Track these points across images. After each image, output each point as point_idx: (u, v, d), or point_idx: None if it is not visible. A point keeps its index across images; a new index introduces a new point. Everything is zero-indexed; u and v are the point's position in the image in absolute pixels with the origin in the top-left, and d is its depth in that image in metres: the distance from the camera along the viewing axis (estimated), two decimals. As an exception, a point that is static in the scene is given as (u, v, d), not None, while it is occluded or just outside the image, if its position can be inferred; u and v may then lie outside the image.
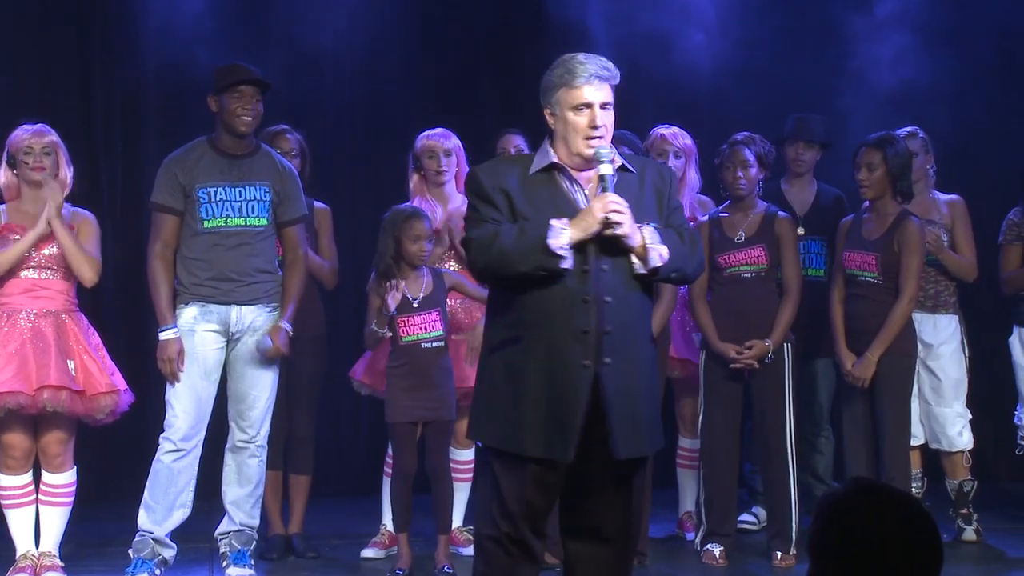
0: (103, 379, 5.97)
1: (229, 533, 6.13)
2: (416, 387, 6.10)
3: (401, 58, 7.84)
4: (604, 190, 4.33)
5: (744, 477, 7.00)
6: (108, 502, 7.15)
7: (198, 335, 5.97)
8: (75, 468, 6.10)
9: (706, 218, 6.55)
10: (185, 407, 5.97)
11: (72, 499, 6.09)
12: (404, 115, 7.63)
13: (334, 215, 6.75)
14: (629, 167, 4.45)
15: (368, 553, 6.51)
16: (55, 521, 6.06)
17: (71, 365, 5.92)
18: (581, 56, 4.40)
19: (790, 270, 6.40)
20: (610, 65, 4.41)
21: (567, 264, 4.29)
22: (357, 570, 6.37)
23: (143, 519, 6.02)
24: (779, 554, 6.34)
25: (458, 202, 6.56)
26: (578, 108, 4.36)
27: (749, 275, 6.40)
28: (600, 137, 4.35)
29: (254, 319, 6.02)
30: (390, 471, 6.41)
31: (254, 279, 6.01)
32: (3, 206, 6.09)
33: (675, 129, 6.83)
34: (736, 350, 6.30)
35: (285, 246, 6.16)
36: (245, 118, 5.99)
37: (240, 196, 6.00)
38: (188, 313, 5.99)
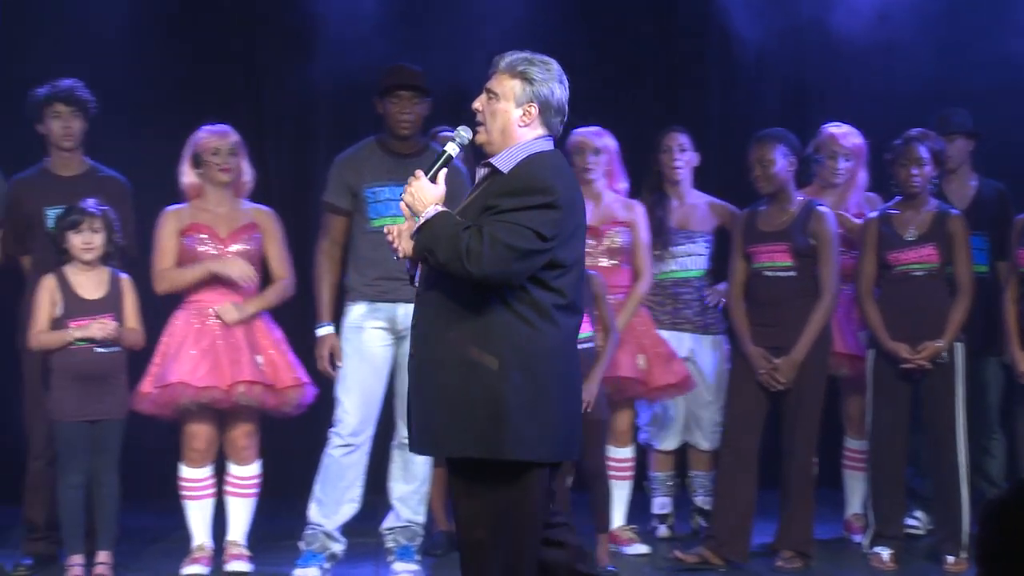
0: (290, 373, 6.12)
1: (395, 529, 6.20)
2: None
3: (564, 56, 7.81)
4: (435, 161, 4.35)
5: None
6: (280, 496, 7.28)
7: (366, 332, 6.06)
8: (260, 461, 6.26)
9: (875, 214, 6.44)
10: (354, 403, 6.06)
11: (257, 491, 6.26)
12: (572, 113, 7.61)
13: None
14: (501, 169, 4.30)
15: (531, 550, 6.53)
16: (242, 512, 6.23)
17: (260, 360, 6.08)
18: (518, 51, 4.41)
19: (962, 269, 6.26)
20: (517, 58, 4.31)
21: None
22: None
23: (313, 512, 6.13)
24: (950, 558, 6.21)
25: (609, 199, 6.55)
26: None
27: (920, 273, 6.28)
28: (478, 122, 4.35)
29: None
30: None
31: None
32: (186, 205, 6.26)
33: (845, 128, 6.73)
34: (908, 350, 6.17)
35: None
36: (404, 122, 6.07)
37: None
38: (356, 311, 6.09)
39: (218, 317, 6.07)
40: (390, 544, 6.19)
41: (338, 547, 6.14)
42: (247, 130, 6.50)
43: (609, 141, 6.63)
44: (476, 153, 6.31)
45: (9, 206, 6.36)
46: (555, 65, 4.34)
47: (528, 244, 4.14)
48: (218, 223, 6.18)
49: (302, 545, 6.14)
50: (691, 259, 6.81)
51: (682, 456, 6.99)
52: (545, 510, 4.32)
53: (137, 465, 6.57)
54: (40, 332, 5.98)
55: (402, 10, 7.62)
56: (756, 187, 6.30)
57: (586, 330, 6.15)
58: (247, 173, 6.28)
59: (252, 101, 7.83)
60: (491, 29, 7.55)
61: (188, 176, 6.24)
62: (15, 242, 6.34)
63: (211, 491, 6.22)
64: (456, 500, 4.32)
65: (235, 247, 6.17)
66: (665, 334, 6.72)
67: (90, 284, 6.02)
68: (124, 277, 6.10)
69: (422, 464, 6.16)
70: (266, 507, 6.52)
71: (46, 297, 5.96)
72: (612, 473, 6.40)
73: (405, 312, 6.05)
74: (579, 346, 5.97)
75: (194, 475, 6.19)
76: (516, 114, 4.29)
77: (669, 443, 6.90)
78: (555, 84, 4.31)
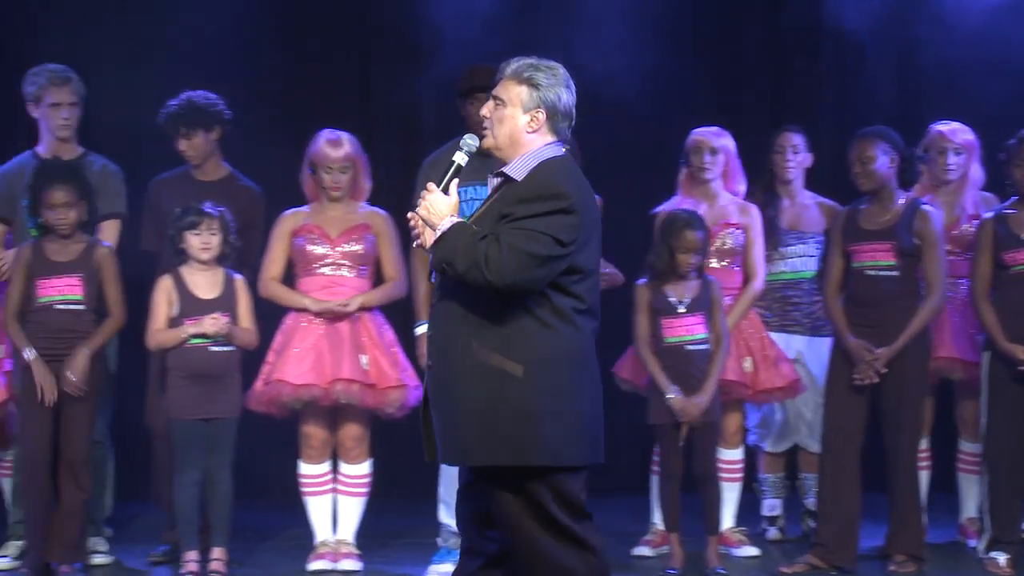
0: (394, 374, 6.17)
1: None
2: (682, 389, 6.09)
3: (678, 56, 7.81)
4: (447, 173, 4.33)
5: None
6: (395, 495, 7.34)
7: None
8: (371, 460, 6.31)
9: (991, 214, 6.34)
10: None
11: (368, 489, 6.32)
12: (683, 113, 7.59)
13: (609, 210, 6.77)
14: (515, 177, 4.30)
15: (639, 551, 6.52)
16: (352, 510, 6.29)
17: (364, 360, 6.14)
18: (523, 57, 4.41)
19: None
20: (523, 64, 4.31)
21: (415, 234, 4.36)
22: (629, 568, 6.38)
23: (441, 513, 6.19)
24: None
25: (725, 200, 6.51)
26: None
27: (1039, 273, 6.18)
28: (486, 129, 4.35)
29: None
30: (657, 470, 6.45)
31: None
32: (306, 207, 6.35)
33: (955, 125, 6.64)
34: None
35: None
36: (486, 124, 6.08)
37: None
38: None
39: (320, 314, 6.14)
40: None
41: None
42: (358, 134, 6.55)
43: (728, 141, 6.60)
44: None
45: (149, 204, 6.52)
46: (561, 70, 4.34)
47: (546, 250, 4.14)
48: (330, 224, 6.26)
49: (439, 542, 6.20)
50: (802, 260, 6.75)
51: (792, 458, 6.94)
52: (573, 513, 4.30)
53: (251, 463, 6.66)
54: (157, 331, 6.08)
55: (515, 10, 7.63)
56: (856, 185, 6.23)
57: (700, 331, 6.14)
58: (364, 180, 6.34)
59: (362, 105, 7.90)
60: (599, 30, 7.56)
61: (308, 180, 6.32)
62: (157, 238, 6.47)
63: (330, 487, 6.28)
64: (494, 509, 4.27)
65: (344, 247, 6.24)
66: (774, 336, 6.67)
67: (205, 284, 6.11)
68: (238, 278, 6.19)
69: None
70: (377, 506, 6.58)
71: (163, 297, 6.07)
72: (721, 475, 6.37)
73: None
74: (693, 347, 6.08)
75: (312, 471, 6.26)
76: (523, 120, 4.29)
77: (779, 445, 6.85)
78: (561, 89, 4.31)
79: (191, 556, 6.07)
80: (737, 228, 6.53)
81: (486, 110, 4.34)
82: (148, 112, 6.61)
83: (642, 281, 6.25)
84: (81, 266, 6.05)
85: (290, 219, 6.32)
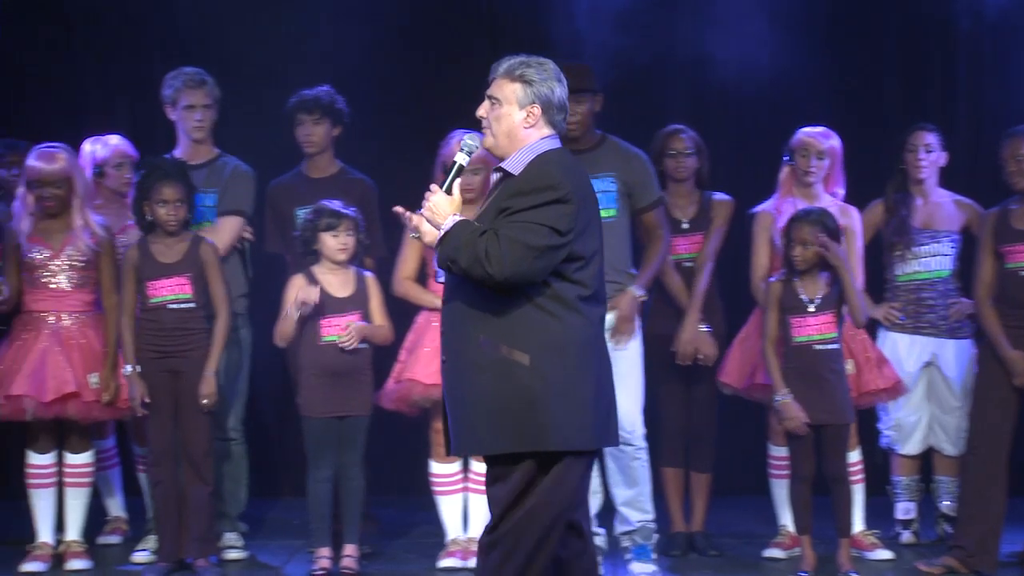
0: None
1: (628, 531, 6.21)
2: (809, 389, 6.04)
3: (803, 53, 7.73)
4: (449, 174, 4.42)
5: None
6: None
7: None
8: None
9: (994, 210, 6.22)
10: None
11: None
12: (803, 111, 7.52)
13: (736, 206, 6.74)
14: (513, 172, 4.38)
15: (770, 553, 6.47)
16: (483, 508, 6.32)
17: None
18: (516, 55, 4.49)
19: None
20: (515, 62, 4.40)
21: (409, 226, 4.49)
22: (760, 570, 6.35)
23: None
24: None
25: (825, 202, 6.43)
26: None
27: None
28: (485, 128, 4.42)
29: (608, 318, 6.04)
30: (776, 472, 6.42)
31: (605, 276, 6.07)
32: None
33: None
34: None
35: (644, 230, 6.24)
36: (569, 124, 6.07)
37: None
38: None
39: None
40: (626, 543, 6.20)
41: (599, 539, 6.18)
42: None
43: (835, 142, 6.52)
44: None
45: (270, 207, 6.63)
46: (551, 64, 4.44)
47: (545, 240, 4.24)
48: None
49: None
50: (935, 259, 6.64)
51: (927, 460, 6.82)
52: (577, 498, 4.41)
53: (383, 460, 6.73)
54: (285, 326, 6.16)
55: (645, 6, 7.61)
56: (1010, 184, 6.11)
57: (830, 330, 6.07)
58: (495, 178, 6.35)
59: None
60: (731, 25, 7.51)
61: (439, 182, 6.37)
62: (281, 239, 6.59)
63: (461, 485, 6.32)
64: (495, 493, 4.38)
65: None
66: (906, 338, 6.58)
67: (338, 282, 6.19)
68: (369, 275, 6.26)
69: (640, 468, 6.16)
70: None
71: (293, 295, 6.14)
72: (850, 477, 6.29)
73: None
74: (821, 346, 6.01)
75: (443, 470, 6.30)
76: (519, 116, 4.39)
77: (912, 447, 6.74)
78: (553, 83, 4.41)
79: (323, 552, 6.15)
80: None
81: (483, 111, 4.43)
82: (278, 115, 6.72)
83: (774, 278, 6.20)
84: (188, 265, 6.17)
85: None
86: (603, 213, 6.01)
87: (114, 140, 6.73)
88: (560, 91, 4.42)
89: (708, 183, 6.69)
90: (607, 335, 6.01)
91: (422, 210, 4.39)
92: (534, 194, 4.29)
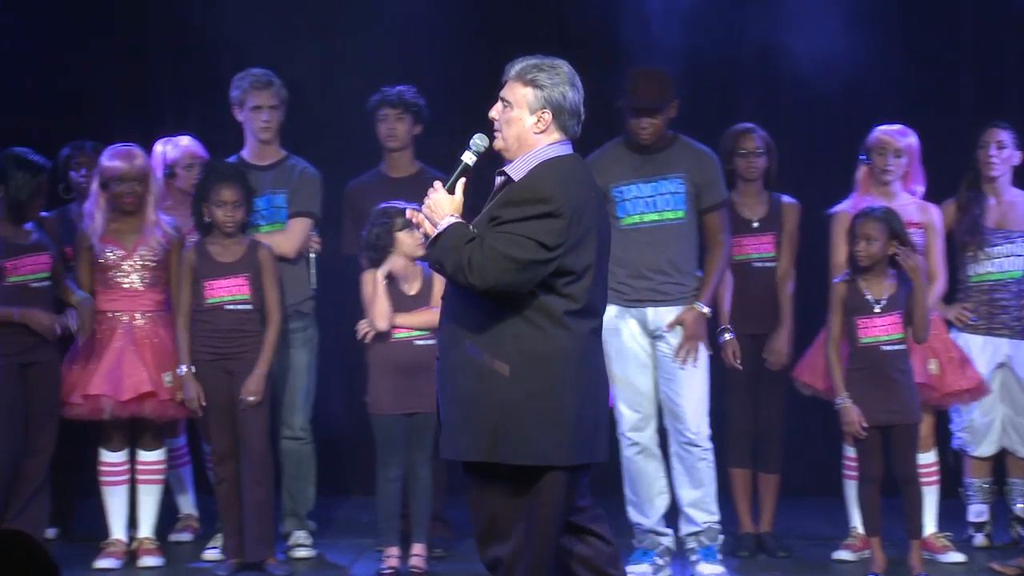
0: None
1: (694, 532, 6.19)
2: (876, 390, 5.99)
3: (875, 50, 7.67)
4: (454, 172, 4.37)
5: None
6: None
7: (623, 330, 6.09)
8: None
9: None
10: (626, 400, 6.11)
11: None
12: (878, 108, 7.46)
13: (803, 210, 6.70)
14: (514, 177, 4.33)
15: (840, 555, 6.43)
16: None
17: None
18: (529, 56, 4.42)
19: None
20: (527, 64, 4.34)
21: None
22: (829, 572, 6.32)
23: (631, 513, 6.19)
24: None
25: (904, 200, 6.37)
26: None
27: None
28: (495, 130, 4.36)
29: (673, 319, 6.07)
30: (849, 473, 6.37)
31: (669, 278, 6.07)
32: None
33: None
34: None
35: (705, 232, 6.19)
36: (643, 136, 6.08)
37: (654, 191, 6.07)
38: (609, 312, 6.09)
39: None
40: (692, 545, 6.18)
41: (667, 540, 6.17)
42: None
43: (912, 140, 6.46)
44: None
45: (349, 209, 6.65)
46: (565, 68, 4.34)
47: (529, 255, 4.17)
48: None
49: (634, 543, 6.20)
50: (1009, 260, 6.56)
51: (1000, 462, 6.75)
52: (567, 512, 4.33)
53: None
54: (380, 317, 6.16)
55: (716, 4, 7.59)
56: None
57: (896, 331, 6.02)
58: None
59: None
60: (803, 20, 7.46)
61: None
62: (360, 241, 6.62)
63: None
64: (475, 503, 4.35)
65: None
66: (978, 339, 6.51)
67: (409, 281, 6.21)
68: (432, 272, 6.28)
69: (706, 469, 6.13)
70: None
71: (379, 288, 6.14)
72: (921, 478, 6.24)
73: (655, 313, 6.06)
74: (889, 347, 5.96)
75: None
76: (530, 121, 4.32)
77: (985, 449, 6.67)
78: (566, 88, 4.31)
79: (392, 552, 6.17)
80: (918, 228, 6.38)
81: (494, 112, 4.38)
82: (350, 116, 6.75)
83: (838, 279, 6.16)
84: (246, 266, 6.22)
85: None
86: (671, 215, 6.09)
87: (184, 141, 6.79)
88: (573, 95, 4.33)
89: (776, 183, 6.65)
90: (672, 351, 6.04)
91: (422, 207, 4.35)
92: (525, 206, 4.22)
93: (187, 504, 6.92)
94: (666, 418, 6.14)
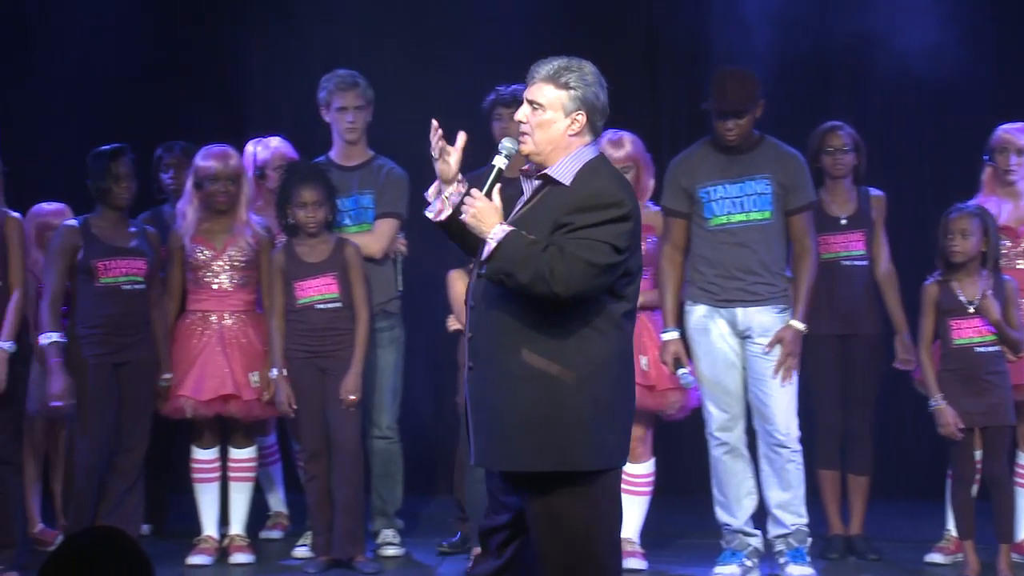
0: (674, 375, 6.15)
1: (783, 535, 6.14)
2: (971, 391, 5.92)
3: (980, 44, 7.57)
4: (487, 178, 4.28)
5: None
6: (677, 494, 7.33)
7: (712, 330, 6.05)
8: (652, 460, 6.33)
9: None
10: (714, 400, 6.08)
11: (650, 489, 6.32)
12: (981, 105, 7.36)
13: (892, 205, 6.63)
14: (562, 181, 4.23)
15: (932, 558, 6.35)
16: (634, 509, 6.29)
17: (644, 361, 6.14)
18: (552, 58, 4.32)
19: None
20: (556, 66, 4.25)
21: (431, 212, 4.37)
22: (921, 575, 6.23)
23: (719, 514, 6.16)
24: None
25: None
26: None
27: None
28: (523, 134, 4.29)
29: (763, 320, 6.02)
30: (951, 474, 6.27)
31: (759, 278, 6.02)
32: None
33: None
34: None
35: (792, 236, 6.12)
36: (729, 137, 6.04)
37: (741, 192, 6.02)
38: (698, 312, 6.09)
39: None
40: (780, 547, 6.13)
41: (756, 541, 6.14)
42: (643, 132, 6.57)
43: None
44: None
45: None
46: (591, 68, 4.29)
47: (606, 259, 4.13)
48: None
49: (722, 544, 6.18)
50: None
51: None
52: (615, 512, 4.31)
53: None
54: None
55: (807, 4, 7.53)
56: None
57: (991, 331, 5.94)
58: (647, 179, 6.33)
59: (650, 103, 7.90)
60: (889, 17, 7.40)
61: None
62: None
63: (649, 488, 6.31)
64: (535, 517, 4.23)
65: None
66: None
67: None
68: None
69: (795, 471, 6.07)
70: (662, 505, 6.59)
71: (460, 288, 6.19)
72: (1017, 480, 6.15)
73: (744, 313, 6.01)
74: (983, 349, 5.88)
75: (634, 471, 6.21)
76: (565, 124, 4.25)
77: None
78: (598, 88, 4.27)
79: (479, 551, 6.18)
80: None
81: (522, 115, 4.31)
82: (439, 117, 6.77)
83: (930, 280, 6.08)
84: (333, 265, 6.26)
85: None
86: (758, 215, 6.05)
87: (275, 142, 6.86)
88: (603, 95, 4.29)
89: (865, 180, 6.59)
90: (770, 367, 6.01)
91: (464, 215, 4.25)
92: (597, 211, 4.17)
93: (277, 502, 6.99)
94: (755, 419, 6.10)
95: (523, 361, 4.18)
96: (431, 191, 4.40)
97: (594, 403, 4.19)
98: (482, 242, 4.22)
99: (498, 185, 4.32)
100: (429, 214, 4.39)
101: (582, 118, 4.26)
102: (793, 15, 7.45)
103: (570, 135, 4.28)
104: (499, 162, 4.34)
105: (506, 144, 4.37)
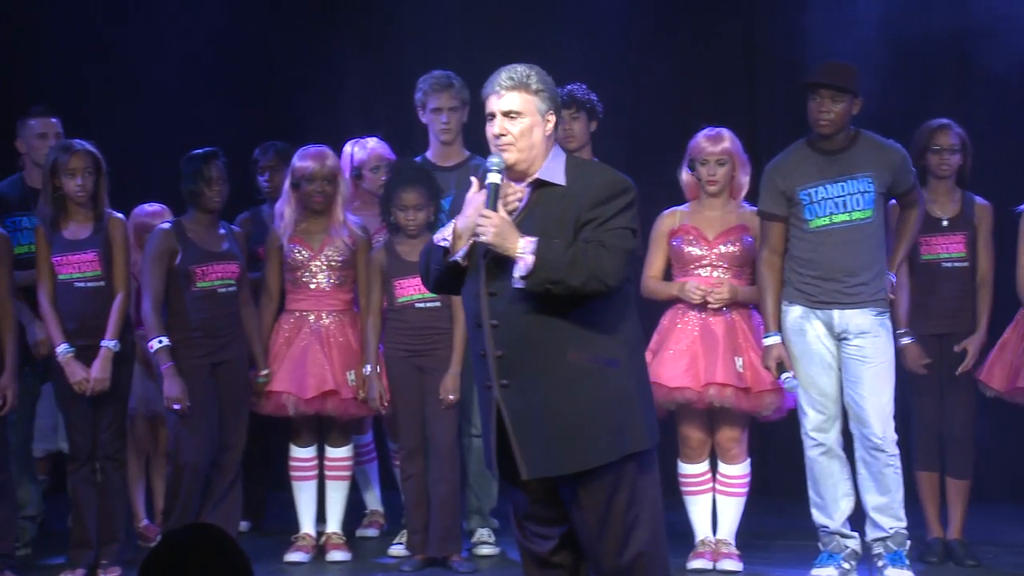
0: (769, 376, 6.11)
1: (881, 538, 6.07)
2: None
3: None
4: (489, 198, 4.27)
5: None
6: (774, 495, 7.29)
7: (808, 331, 6.00)
8: (748, 460, 6.30)
9: None
10: (810, 401, 6.02)
11: (745, 489, 6.30)
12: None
13: (996, 211, 6.53)
14: (557, 182, 4.34)
15: (1033, 564, 6.27)
16: (730, 511, 6.29)
17: (739, 362, 6.11)
18: (502, 68, 4.37)
19: None
20: (519, 73, 4.32)
21: (457, 257, 4.36)
22: (1021, 581, 6.16)
23: (815, 515, 6.11)
24: None
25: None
26: (488, 118, 4.40)
27: None
28: (506, 144, 4.34)
29: (860, 322, 5.95)
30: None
31: (860, 279, 5.94)
32: (685, 206, 6.36)
33: None
34: None
35: (901, 205, 6.12)
36: (822, 121, 5.97)
37: (842, 191, 5.96)
38: (794, 313, 6.03)
39: (705, 301, 6.16)
40: (879, 550, 6.07)
41: (853, 543, 6.09)
42: (740, 128, 6.53)
43: None
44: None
45: None
46: (539, 68, 4.41)
47: (631, 243, 4.35)
48: (707, 225, 6.26)
49: (820, 546, 6.13)
50: None
51: None
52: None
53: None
54: None
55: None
56: None
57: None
58: (742, 176, 6.31)
59: (747, 98, 7.85)
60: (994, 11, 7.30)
61: (686, 176, 6.36)
62: None
63: (709, 486, 6.30)
64: (610, 505, 4.32)
65: (721, 248, 6.22)
66: None
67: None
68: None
69: (892, 475, 5.99)
70: (759, 506, 6.55)
71: None
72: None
73: (840, 315, 5.95)
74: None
75: (691, 471, 6.29)
76: (542, 127, 4.36)
77: None
78: (554, 88, 4.41)
79: (573, 550, 6.19)
80: None
81: (499, 128, 4.35)
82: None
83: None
84: None
85: (668, 219, 6.36)
86: (860, 214, 5.99)
87: (372, 143, 6.91)
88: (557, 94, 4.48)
89: (969, 181, 6.50)
90: (865, 370, 5.95)
91: (483, 237, 4.29)
92: (614, 200, 4.32)
93: (373, 500, 7.05)
94: (851, 422, 6.04)
95: (570, 363, 4.28)
96: (446, 233, 4.44)
97: (637, 384, 4.39)
98: (499, 262, 4.29)
99: (500, 201, 4.37)
100: (457, 258, 4.41)
101: (552, 118, 4.41)
102: (892, 15, 7.36)
103: (547, 136, 4.40)
104: (494, 178, 4.38)
105: (494, 160, 4.40)
